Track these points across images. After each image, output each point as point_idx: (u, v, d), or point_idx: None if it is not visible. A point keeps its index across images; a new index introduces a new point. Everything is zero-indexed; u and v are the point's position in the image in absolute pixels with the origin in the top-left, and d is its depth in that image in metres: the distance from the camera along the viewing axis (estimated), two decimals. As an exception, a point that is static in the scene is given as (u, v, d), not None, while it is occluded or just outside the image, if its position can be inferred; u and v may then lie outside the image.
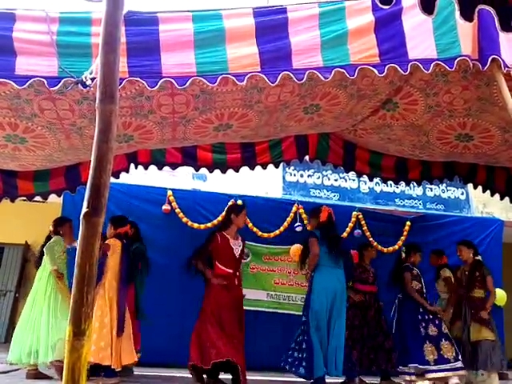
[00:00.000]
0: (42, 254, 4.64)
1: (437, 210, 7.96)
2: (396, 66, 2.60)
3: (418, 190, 8.00)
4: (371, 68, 2.59)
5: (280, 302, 6.09)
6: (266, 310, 5.99)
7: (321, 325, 4.21)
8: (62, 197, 4.97)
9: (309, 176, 7.76)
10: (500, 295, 5.41)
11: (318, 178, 7.79)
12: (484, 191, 5.11)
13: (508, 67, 2.64)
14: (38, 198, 4.64)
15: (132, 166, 4.60)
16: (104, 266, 4.28)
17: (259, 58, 2.52)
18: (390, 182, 5.43)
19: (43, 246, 4.64)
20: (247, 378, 4.13)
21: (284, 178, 7.63)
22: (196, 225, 5.82)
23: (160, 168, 4.72)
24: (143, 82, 2.46)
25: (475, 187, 5.18)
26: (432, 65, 2.60)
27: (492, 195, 5.13)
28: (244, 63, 2.51)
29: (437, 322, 4.73)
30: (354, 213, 6.34)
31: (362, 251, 5.37)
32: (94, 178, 1.44)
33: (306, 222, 6.03)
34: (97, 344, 3.98)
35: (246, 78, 2.51)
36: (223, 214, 5.08)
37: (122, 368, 4.42)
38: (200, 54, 2.49)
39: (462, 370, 4.56)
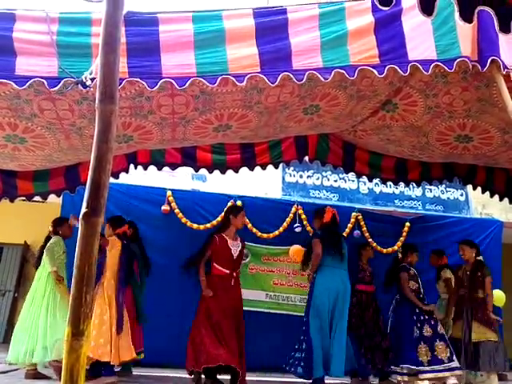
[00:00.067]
0: (41, 254, 4.65)
1: (436, 211, 7.95)
2: (396, 67, 2.61)
3: (417, 191, 8.00)
4: (371, 69, 2.60)
5: (279, 302, 6.08)
6: (265, 310, 5.97)
7: (323, 325, 4.21)
8: (61, 197, 4.97)
9: (308, 177, 7.76)
10: (498, 296, 5.39)
11: (318, 178, 7.79)
12: (483, 192, 5.11)
13: (507, 68, 2.65)
14: (37, 198, 4.64)
15: (131, 166, 4.60)
16: (103, 267, 4.28)
17: (259, 58, 2.52)
18: (389, 183, 5.43)
19: (43, 246, 4.65)
20: (247, 378, 4.13)
21: (283, 178, 7.63)
22: (195, 225, 5.81)
23: (159, 168, 4.72)
24: (143, 82, 2.46)
25: (474, 188, 5.18)
26: (431, 66, 2.61)
27: (491, 196, 5.13)
28: (244, 64, 2.52)
29: (432, 323, 4.73)
30: (354, 213, 6.33)
31: (360, 251, 5.37)
32: (93, 178, 1.44)
33: (305, 222, 6.03)
34: (96, 341, 3.99)
35: (246, 78, 2.51)
36: (222, 214, 5.09)
37: (121, 366, 4.42)
38: (200, 55, 2.49)
39: (459, 370, 4.56)
